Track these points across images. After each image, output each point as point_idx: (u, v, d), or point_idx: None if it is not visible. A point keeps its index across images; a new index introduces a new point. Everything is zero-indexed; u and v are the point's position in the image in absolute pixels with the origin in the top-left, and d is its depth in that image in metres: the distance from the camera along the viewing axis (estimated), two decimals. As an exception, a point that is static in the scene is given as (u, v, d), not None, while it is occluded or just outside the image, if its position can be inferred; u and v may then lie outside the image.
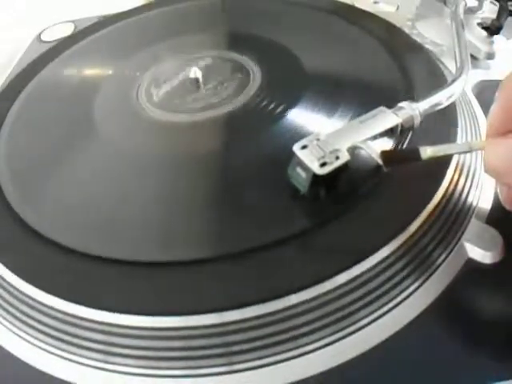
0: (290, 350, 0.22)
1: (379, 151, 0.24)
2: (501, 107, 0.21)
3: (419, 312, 0.23)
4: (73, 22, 0.48)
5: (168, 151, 0.30)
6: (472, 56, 0.32)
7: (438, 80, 0.31)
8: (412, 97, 0.29)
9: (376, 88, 0.31)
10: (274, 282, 0.22)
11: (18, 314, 0.25)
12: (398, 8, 0.42)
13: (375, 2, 0.43)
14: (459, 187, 0.26)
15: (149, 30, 0.42)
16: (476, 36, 0.36)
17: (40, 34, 0.47)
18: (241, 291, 0.22)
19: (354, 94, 0.31)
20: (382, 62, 0.33)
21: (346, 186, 0.24)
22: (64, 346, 0.23)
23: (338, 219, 0.24)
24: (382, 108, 0.26)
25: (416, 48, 0.34)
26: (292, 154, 0.24)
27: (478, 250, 0.24)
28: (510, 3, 0.36)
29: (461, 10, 0.36)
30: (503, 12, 0.36)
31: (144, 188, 0.28)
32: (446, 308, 0.23)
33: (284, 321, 0.22)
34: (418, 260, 0.24)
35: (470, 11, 0.38)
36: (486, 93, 0.33)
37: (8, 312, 0.25)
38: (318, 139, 0.24)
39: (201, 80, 0.33)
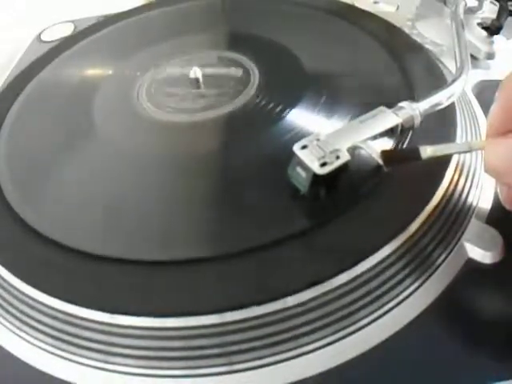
0: (290, 350, 0.22)
1: (379, 151, 0.24)
2: (501, 107, 0.21)
3: (419, 312, 0.23)
4: (73, 22, 0.48)
5: (168, 151, 0.30)
6: (472, 56, 0.32)
7: (437, 80, 0.31)
8: (412, 97, 0.29)
9: (376, 88, 0.31)
10: (274, 282, 0.22)
11: (18, 314, 0.25)
12: (398, 8, 0.42)
13: (375, 2, 0.43)
14: (459, 187, 0.26)
15: (149, 30, 0.42)
16: (476, 36, 0.36)
17: (40, 34, 0.47)
18: (241, 291, 0.22)
19: (353, 94, 0.31)
20: (382, 62, 0.33)
21: (346, 185, 0.24)
22: (64, 345, 0.23)
23: (338, 219, 0.24)
24: (381, 108, 0.26)
25: (416, 48, 0.34)
26: (292, 154, 0.24)
27: (478, 250, 0.24)
28: (510, 3, 0.36)
29: (461, 10, 0.36)
30: (503, 12, 0.36)
31: (144, 188, 0.28)
32: (445, 308, 0.23)
33: (284, 321, 0.22)
34: (418, 260, 0.24)
35: (470, 11, 0.38)
36: (485, 93, 0.33)
37: (8, 312, 0.25)
38: (318, 139, 0.24)
39: (201, 80, 0.33)
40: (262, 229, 0.24)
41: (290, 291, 0.22)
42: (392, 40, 0.35)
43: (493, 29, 0.36)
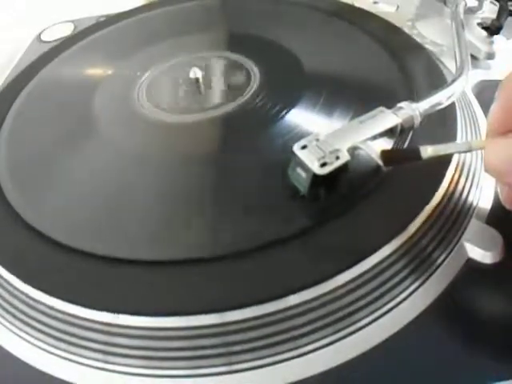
0: (290, 350, 0.22)
1: (379, 151, 0.24)
2: (501, 107, 0.21)
3: (419, 312, 0.23)
4: (73, 22, 0.48)
5: (168, 151, 0.30)
6: (472, 56, 0.32)
7: (437, 80, 0.31)
8: (412, 97, 0.29)
9: (376, 88, 0.31)
10: (274, 282, 0.22)
11: (18, 314, 0.25)
12: (397, 8, 0.42)
13: (375, 2, 0.43)
14: (459, 187, 0.26)
15: (149, 30, 0.42)
16: (476, 36, 0.36)
17: (40, 34, 0.48)
18: (241, 291, 0.22)
19: (353, 94, 0.31)
20: (382, 62, 0.33)
21: (346, 186, 0.24)
22: (64, 345, 0.23)
23: (338, 219, 0.24)
24: (381, 108, 0.26)
25: (416, 48, 0.34)
26: (292, 155, 0.24)
27: (478, 250, 0.24)
28: (510, 3, 0.36)
29: (461, 10, 0.36)
30: (503, 12, 0.36)
31: (144, 188, 0.28)
32: (445, 308, 0.23)
33: (284, 321, 0.22)
34: (418, 260, 0.24)
35: (470, 11, 0.38)
36: (486, 93, 0.33)
37: (8, 312, 0.25)
38: (317, 139, 0.24)
39: (201, 80, 0.33)
40: (262, 229, 0.24)
41: (290, 291, 0.22)
42: (392, 40, 0.35)
43: (493, 29, 0.36)
